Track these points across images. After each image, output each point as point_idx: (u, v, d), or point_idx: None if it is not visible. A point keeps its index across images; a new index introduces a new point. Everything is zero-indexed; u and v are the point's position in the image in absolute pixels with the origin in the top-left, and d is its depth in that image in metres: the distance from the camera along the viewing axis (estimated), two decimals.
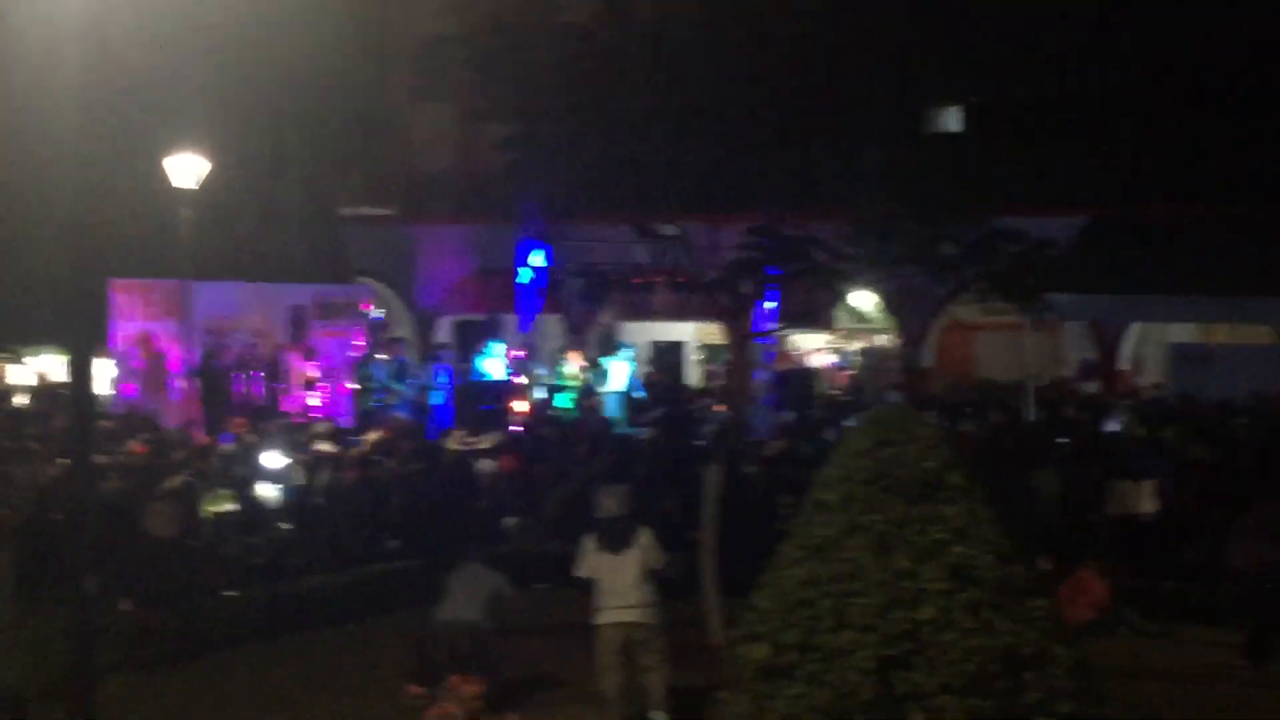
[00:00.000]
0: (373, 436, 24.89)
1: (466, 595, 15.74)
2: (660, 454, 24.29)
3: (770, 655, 10.27)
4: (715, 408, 28.55)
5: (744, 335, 20.12)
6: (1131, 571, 19.61)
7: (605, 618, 14.48)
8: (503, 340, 33.83)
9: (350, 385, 31.04)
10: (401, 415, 29.12)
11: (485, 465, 24.05)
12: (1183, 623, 18.73)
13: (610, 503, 14.74)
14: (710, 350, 38.15)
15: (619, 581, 14.41)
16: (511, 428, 28.06)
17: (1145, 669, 16.76)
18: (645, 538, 14.57)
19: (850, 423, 14.66)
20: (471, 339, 35.83)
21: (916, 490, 10.37)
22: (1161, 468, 20.81)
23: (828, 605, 10.14)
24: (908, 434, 10.58)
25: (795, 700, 10.10)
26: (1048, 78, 31.12)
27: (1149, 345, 33.72)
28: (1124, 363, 33.95)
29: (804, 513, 10.68)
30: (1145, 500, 20.49)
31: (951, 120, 33.54)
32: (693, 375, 38.25)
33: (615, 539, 14.52)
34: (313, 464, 22.78)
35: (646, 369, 37.28)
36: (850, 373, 37.48)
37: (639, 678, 14.60)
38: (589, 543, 14.69)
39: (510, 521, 22.68)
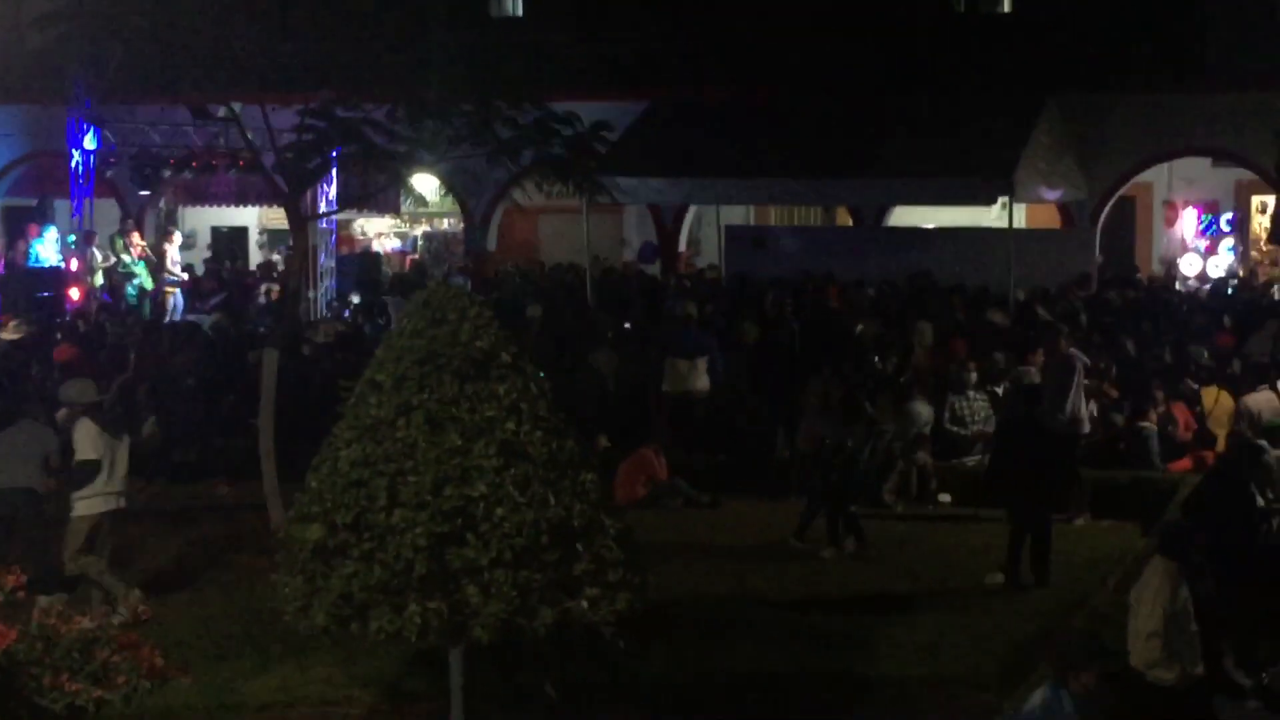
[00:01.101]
0: None
1: (20, 459, 15.06)
2: (221, 341, 23.96)
3: (324, 535, 10.28)
4: (276, 292, 28.23)
5: (305, 219, 19.85)
6: (686, 447, 20.22)
7: (93, 506, 14.75)
8: (54, 225, 32.66)
9: None
10: None
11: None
12: (733, 497, 19.39)
13: (74, 394, 14.95)
14: (273, 235, 37.61)
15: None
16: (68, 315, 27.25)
17: (694, 542, 17.34)
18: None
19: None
20: (22, 224, 34.52)
21: (468, 369, 10.46)
22: (712, 346, 21.44)
23: (381, 484, 10.20)
24: (460, 313, 10.64)
25: (350, 579, 10.15)
26: None
27: (707, 227, 34.53)
28: (682, 246, 34.73)
29: (358, 394, 10.68)
30: (698, 378, 21.12)
31: (512, 4, 33.63)
32: (255, 260, 37.64)
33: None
34: None
35: (207, 254, 36.59)
36: (414, 256, 37.46)
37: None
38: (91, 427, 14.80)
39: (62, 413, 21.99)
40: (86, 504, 14.55)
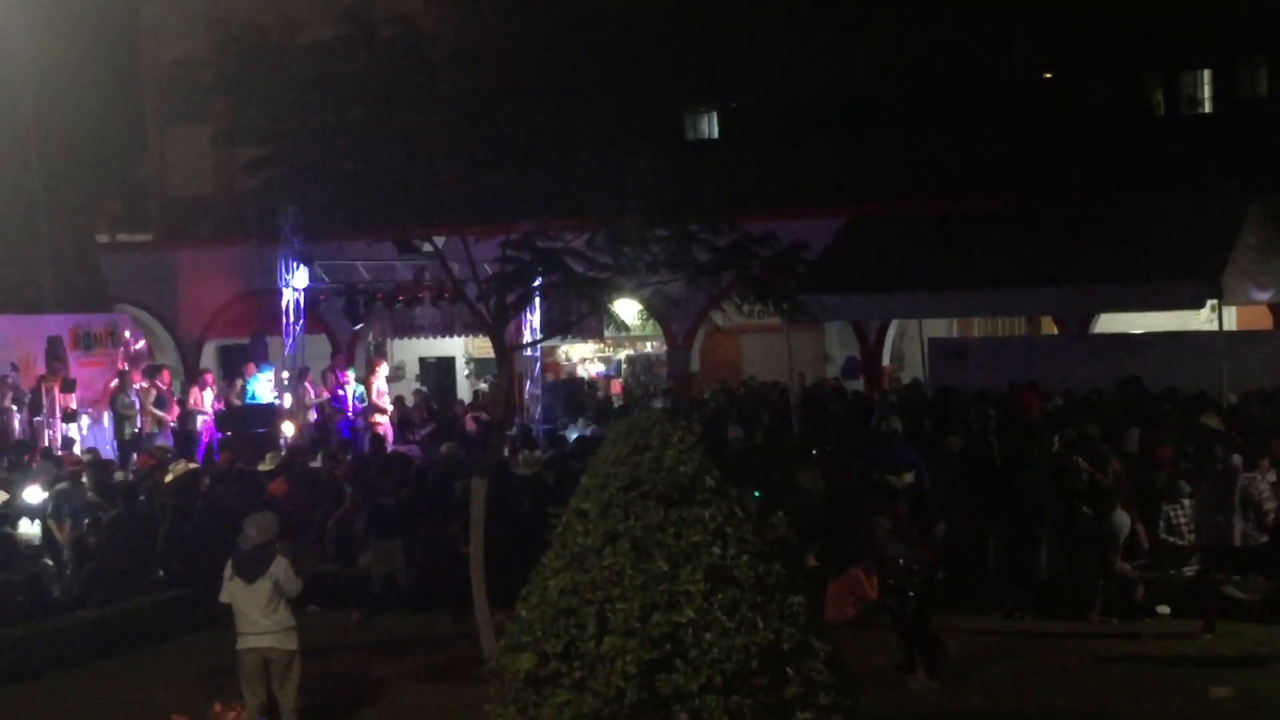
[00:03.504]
0: (179, 468, 24.32)
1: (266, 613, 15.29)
2: (432, 471, 24.26)
3: (535, 664, 10.33)
4: (483, 420, 28.58)
5: (509, 347, 20.11)
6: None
7: (241, 643, 14.85)
8: (269, 363, 33.45)
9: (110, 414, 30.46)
10: (164, 443, 28.63)
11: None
12: (946, 611, 19.10)
13: (250, 531, 15.01)
14: (479, 364, 38.19)
15: (252, 608, 14.68)
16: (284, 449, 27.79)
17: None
18: (279, 566, 14.77)
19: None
20: (236, 362, 35.42)
21: (672, 494, 10.49)
22: (918, 460, 21.23)
23: (590, 612, 10.24)
24: (663, 439, 10.69)
25: (561, 708, 10.17)
26: (798, 81, 31.65)
27: (909, 341, 34.40)
28: (886, 359, 34.62)
29: (564, 522, 10.76)
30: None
31: (705, 126, 33.98)
32: (464, 390, 38.23)
33: (249, 567, 14.74)
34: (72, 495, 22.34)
35: (416, 385, 37.19)
36: (619, 381, 37.77)
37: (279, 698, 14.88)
38: (228, 570, 14.93)
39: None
40: (239, 641, 14.86)
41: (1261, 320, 32.66)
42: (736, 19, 32.81)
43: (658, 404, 28.36)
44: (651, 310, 34.25)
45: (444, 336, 34.93)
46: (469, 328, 32.15)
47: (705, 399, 31.78)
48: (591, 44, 24.08)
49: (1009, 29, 29.74)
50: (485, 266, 19.41)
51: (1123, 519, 19.37)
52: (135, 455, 27.83)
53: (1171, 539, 19.72)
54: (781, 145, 32.39)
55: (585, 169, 18.34)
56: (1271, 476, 19.62)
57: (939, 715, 15.22)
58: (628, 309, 34.17)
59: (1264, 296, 29.89)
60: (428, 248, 21.30)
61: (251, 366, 33.41)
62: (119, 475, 25.58)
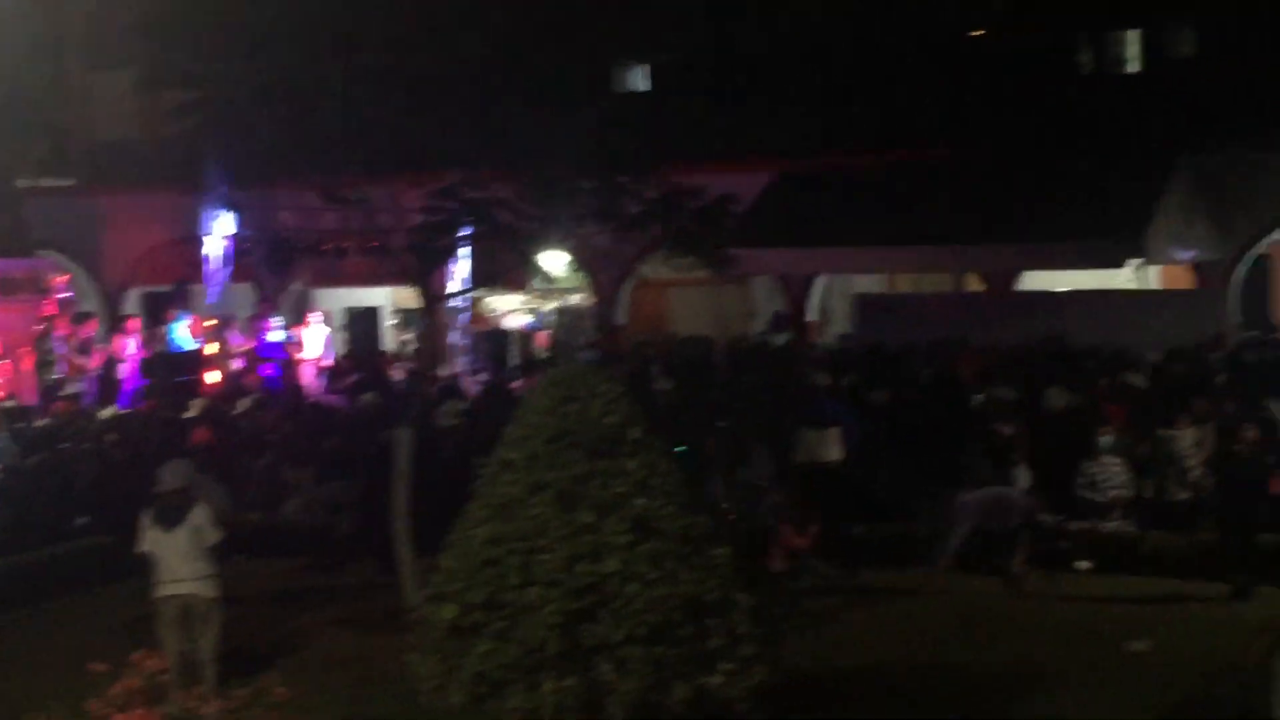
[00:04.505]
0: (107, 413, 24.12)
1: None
2: (356, 421, 24.17)
3: (458, 614, 10.36)
4: (409, 371, 28.49)
5: (436, 298, 20.06)
6: (821, 518, 20.04)
7: (160, 591, 14.67)
8: (188, 311, 33.17)
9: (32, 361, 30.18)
10: (77, 390, 28.39)
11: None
12: (869, 567, 19.23)
13: (165, 477, 14.85)
14: (405, 315, 37.98)
15: (171, 556, 14.53)
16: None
17: (832, 615, 17.19)
18: (199, 513, 14.65)
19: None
20: (161, 310, 35.10)
21: (599, 446, 10.53)
22: (844, 415, 21.31)
23: (514, 563, 10.27)
24: (590, 390, 10.72)
25: (484, 657, 10.21)
26: (730, 35, 31.55)
27: (836, 297, 34.45)
28: (813, 314, 34.64)
29: (489, 472, 10.77)
30: (830, 448, 20.99)
31: (636, 79, 33.85)
32: (389, 340, 38.02)
33: (168, 515, 14.60)
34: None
35: (343, 335, 36.99)
36: (546, 333, 37.65)
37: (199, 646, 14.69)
38: (145, 519, 14.75)
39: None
40: (158, 589, 14.72)
41: (1185, 280, 32.89)
42: None
43: (585, 356, 28.31)
44: (580, 262, 34.15)
45: (370, 286, 34.71)
46: (396, 277, 31.95)
47: (632, 351, 31.74)
48: None
49: None
50: (413, 216, 19.31)
51: (1023, 475, 19.62)
52: (55, 402, 27.57)
53: (1091, 495, 19.90)
54: (713, 99, 32.26)
55: (514, 120, 18.29)
56: (1193, 434, 19.84)
57: (863, 665, 15.29)
58: (557, 260, 34.07)
59: (1187, 256, 30.14)
60: (356, 196, 21.21)
61: (174, 313, 33.14)
62: (41, 422, 25.36)
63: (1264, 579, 17.45)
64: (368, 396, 25.28)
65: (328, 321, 35.71)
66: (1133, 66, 31.11)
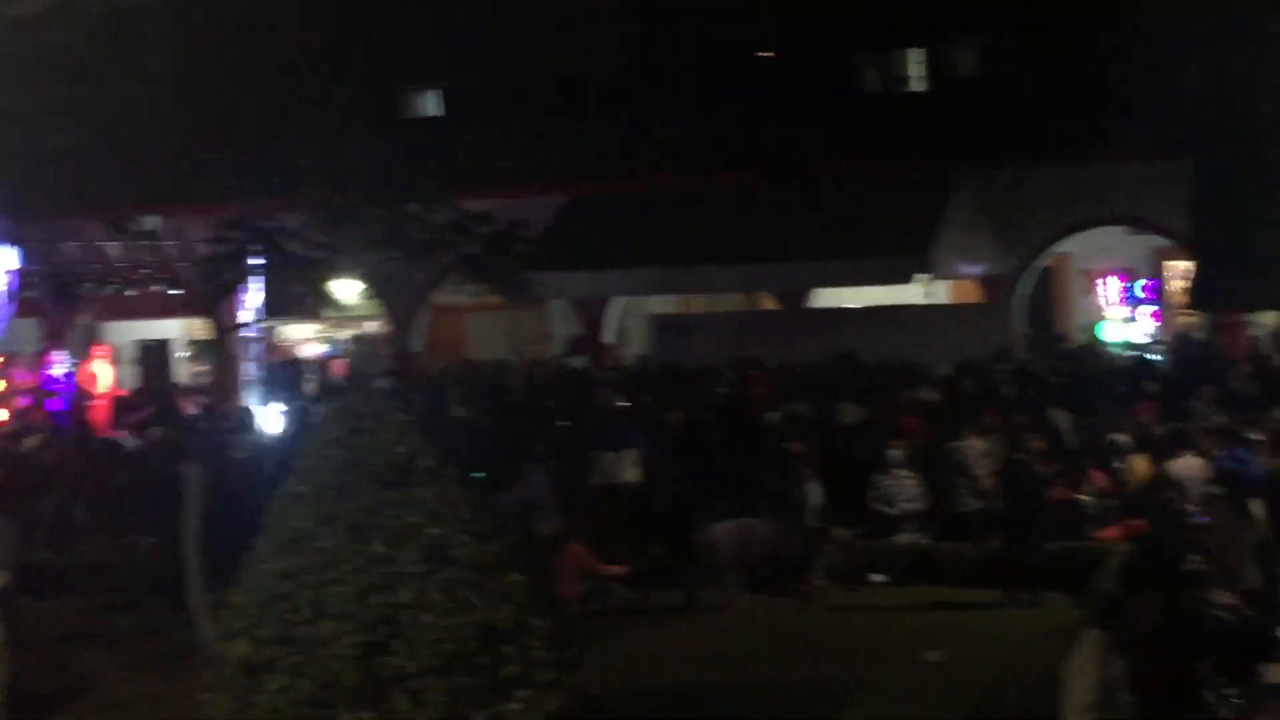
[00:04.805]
0: None
1: None
2: (146, 456, 23.74)
3: (250, 651, 10.22)
4: (204, 404, 28.08)
5: (227, 329, 19.81)
6: (616, 539, 20.09)
7: None
8: None
9: None
10: None
11: None
12: (665, 588, 19.27)
13: None
14: (199, 346, 37.42)
15: None
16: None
17: (631, 638, 17.22)
18: None
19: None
20: None
21: (389, 475, 10.46)
22: (639, 438, 21.39)
23: (306, 596, 10.17)
24: (378, 420, 10.64)
25: (278, 694, 10.09)
26: (523, 60, 31.57)
27: (633, 318, 34.61)
28: (609, 336, 34.75)
29: (279, 505, 10.66)
30: (626, 470, 21.06)
31: (427, 105, 33.76)
32: (182, 373, 37.45)
33: None
34: None
35: (135, 369, 36.36)
36: (344, 361, 37.35)
37: None
38: None
39: None
40: None
41: (973, 294, 33.55)
42: None
43: (381, 384, 28.10)
44: (373, 289, 33.94)
45: (161, 318, 34.19)
46: (187, 309, 31.50)
47: (430, 379, 31.61)
48: (309, 21, 23.75)
49: (728, 8, 30.05)
50: (202, 247, 19.05)
51: (815, 490, 19.87)
52: None
53: (883, 508, 20.19)
54: (505, 124, 32.28)
55: (302, 149, 18.14)
56: (981, 445, 20.21)
57: (660, 686, 15.33)
58: (350, 289, 33.80)
59: (973, 270, 30.77)
60: (144, 227, 20.90)
61: None
62: None
63: (1050, 586, 17.80)
64: (157, 431, 24.87)
65: (118, 355, 35.12)
66: (917, 86, 31.69)
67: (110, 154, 17.91)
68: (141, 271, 29.49)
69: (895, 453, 20.35)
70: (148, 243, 23.93)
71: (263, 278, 23.17)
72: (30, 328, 33.45)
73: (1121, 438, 20.74)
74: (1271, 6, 24.60)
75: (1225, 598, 14.37)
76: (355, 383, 32.18)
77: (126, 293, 31.02)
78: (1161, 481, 18.56)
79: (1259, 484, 16.89)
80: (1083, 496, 19.57)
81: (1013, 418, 21.39)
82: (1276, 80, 24.79)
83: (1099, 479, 20.01)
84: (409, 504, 10.42)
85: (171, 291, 29.34)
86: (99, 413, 30.44)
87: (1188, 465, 18.60)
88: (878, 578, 19.56)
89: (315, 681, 9.96)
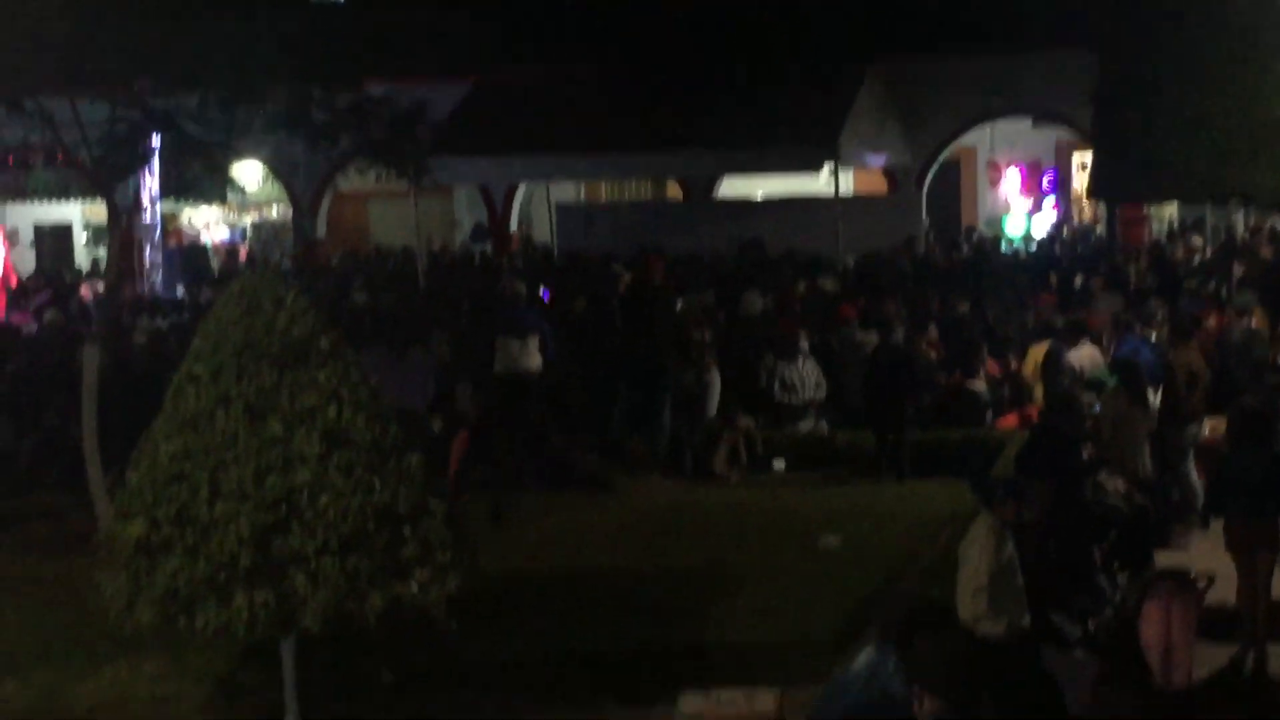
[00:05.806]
0: None
1: None
2: (47, 340, 23.51)
3: (146, 531, 10.16)
4: (102, 288, 27.74)
5: (124, 212, 19.53)
6: (518, 426, 20.10)
7: None
8: None
9: None
10: None
11: None
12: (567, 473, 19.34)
13: None
14: (98, 231, 36.98)
15: None
16: None
17: (529, 522, 17.27)
18: None
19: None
20: None
21: (287, 357, 10.37)
22: (543, 325, 21.34)
23: (202, 477, 10.10)
24: (275, 301, 10.54)
25: (174, 574, 10.05)
26: None
27: (539, 206, 34.51)
28: (514, 224, 34.67)
29: (176, 386, 10.57)
30: (529, 358, 21.00)
31: None
32: (82, 257, 37.04)
33: None
34: None
35: (32, 252, 35.94)
36: (244, 247, 37.08)
37: None
38: None
39: None
40: None
41: (879, 186, 33.67)
42: None
43: (287, 270, 27.93)
44: (275, 174, 33.63)
45: (59, 200, 33.70)
46: (85, 192, 31.02)
47: (332, 265, 31.44)
48: None
49: None
50: (100, 129, 18.71)
51: (715, 378, 19.98)
52: None
53: (786, 398, 20.31)
54: (411, 8, 31.95)
55: (203, 30, 17.80)
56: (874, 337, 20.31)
57: (558, 568, 15.40)
58: (252, 173, 33.48)
59: (879, 161, 30.84)
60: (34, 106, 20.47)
61: None
62: None
63: (949, 473, 17.98)
64: (51, 315, 24.61)
65: (15, 239, 34.69)
66: None
67: (6, 34, 17.47)
68: (37, 153, 28.95)
69: (797, 342, 20.44)
70: (44, 123, 23.42)
71: (161, 160, 22.91)
72: None
73: (1020, 326, 20.95)
74: None
75: (1119, 485, 14.62)
76: (257, 268, 31.98)
77: (22, 174, 30.53)
78: (1058, 370, 18.76)
79: (1155, 373, 17.08)
80: (979, 386, 19.78)
81: (911, 307, 21.57)
82: None
83: (996, 368, 20.25)
84: (306, 385, 10.34)
85: (70, 173, 28.84)
86: None
87: (1085, 354, 18.79)
88: (779, 464, 19.71)
89: (212, 562, 9.92)
